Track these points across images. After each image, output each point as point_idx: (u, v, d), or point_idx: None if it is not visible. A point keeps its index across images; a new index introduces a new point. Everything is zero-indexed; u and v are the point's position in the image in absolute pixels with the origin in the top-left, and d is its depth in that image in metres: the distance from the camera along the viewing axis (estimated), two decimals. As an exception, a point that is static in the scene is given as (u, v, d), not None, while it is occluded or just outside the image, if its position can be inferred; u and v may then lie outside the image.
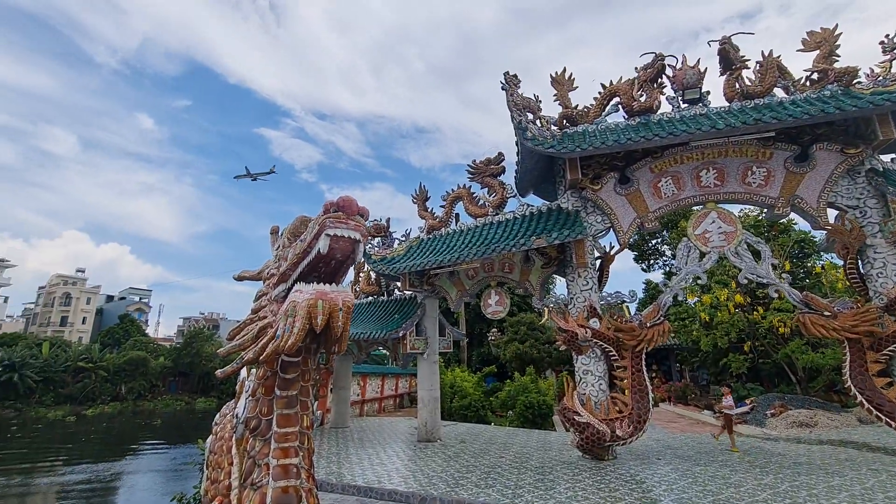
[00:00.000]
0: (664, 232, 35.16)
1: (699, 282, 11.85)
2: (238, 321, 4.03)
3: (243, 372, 5.36)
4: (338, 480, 9.01)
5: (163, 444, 24.64)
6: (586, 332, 10.08)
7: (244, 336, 3.53)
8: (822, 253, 22.95)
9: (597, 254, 11.91)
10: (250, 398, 3.72)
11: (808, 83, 11.23)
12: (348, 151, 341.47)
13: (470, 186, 14.16)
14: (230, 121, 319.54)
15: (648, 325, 10.20)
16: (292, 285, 3.40)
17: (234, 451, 4.76)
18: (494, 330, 34.24)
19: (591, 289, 11.23)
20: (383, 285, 17.75)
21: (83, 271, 70.19)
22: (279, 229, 4.37)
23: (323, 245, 3.10)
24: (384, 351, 40.52)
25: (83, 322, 64.82)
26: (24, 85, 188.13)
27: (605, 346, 10.26)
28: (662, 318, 10.37)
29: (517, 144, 12.54)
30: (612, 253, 12.31)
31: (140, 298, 76.36)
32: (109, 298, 74.47)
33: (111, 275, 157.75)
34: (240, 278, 4.31)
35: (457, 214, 14.60)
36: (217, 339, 55.21)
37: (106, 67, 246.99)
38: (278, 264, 3.71)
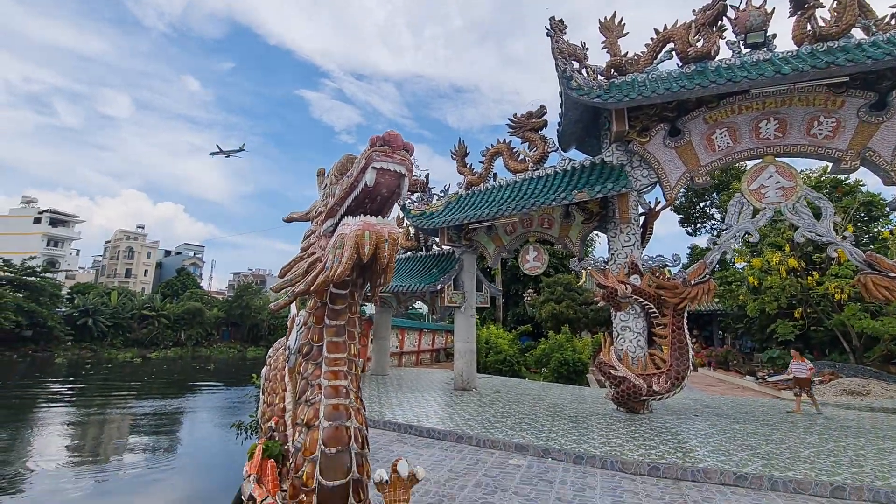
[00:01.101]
0: (714, 194, 33.38)
1: (750, 240, 11.27)
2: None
3: (293, 308, 5.70)
4: (379, 418, 9.58)
5: (219, 385, 26.75)
6: (626, 289, 9.92)
7: (295, 271, 3.71)
8: (890, 215, 21.23)
9: (641, 209, 11.52)
10: (303, 328, 3.97)
11: (893, 21, 10.05)
12: (386, 112, 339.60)
13: (510, 141, 13.84)
14: (272, 82, 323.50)
15: (693, 282, 9.92)
16: (339, 220, 3.50)
17: (286, 379, 5.17)
18: (530, 290, 34.27)
19: (633, 245, 10.98)
20: (422, 240, 18.01)
21: (143, 227, 74.91)
22: (325, 171, 4.48)
23: (370, 178, 3.15)
24: (421, 310, 41.65)
25: (145, 274, 69.82)
26: (81, 50, 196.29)
27: (646, 303, 10.09)
28: (708, 277, 10.05)
29: (561, 95, 12.05)
30: (658, 209, 11.90)
31: (194, 254, 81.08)
32: (167, 253, 79.41)
33: (168, 232, 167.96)
34: (289, 220, 4.50)
35: (495, 173, 14.40)
36: (264, 294, 58.52)
37: (154, 31, 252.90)
38: (325, 201, 3.81)
